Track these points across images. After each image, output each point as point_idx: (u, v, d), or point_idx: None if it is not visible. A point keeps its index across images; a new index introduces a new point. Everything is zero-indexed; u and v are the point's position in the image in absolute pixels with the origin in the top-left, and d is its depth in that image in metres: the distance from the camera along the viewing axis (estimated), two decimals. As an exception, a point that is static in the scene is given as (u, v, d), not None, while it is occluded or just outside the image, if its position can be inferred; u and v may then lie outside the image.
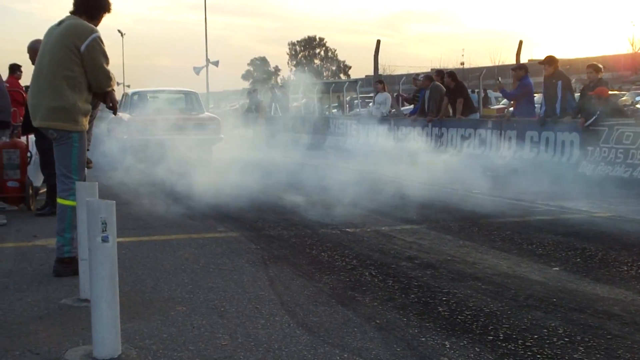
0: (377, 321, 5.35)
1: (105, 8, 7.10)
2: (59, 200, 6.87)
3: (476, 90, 30.31)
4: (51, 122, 6.78)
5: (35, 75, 6.96)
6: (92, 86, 6.89)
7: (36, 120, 6.90)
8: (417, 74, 22.87)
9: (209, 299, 5.98)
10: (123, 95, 22.93)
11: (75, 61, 6.76)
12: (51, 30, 6.97)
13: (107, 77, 6.93)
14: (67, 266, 6.79)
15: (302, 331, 5.14)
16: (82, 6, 6.96)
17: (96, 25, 6.99)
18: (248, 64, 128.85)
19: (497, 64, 64.91)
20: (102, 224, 4.49)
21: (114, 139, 20.25)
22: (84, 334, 5.01)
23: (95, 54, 6.78)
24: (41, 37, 7.17)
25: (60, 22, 6.93)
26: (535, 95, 22.44)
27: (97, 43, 6.81)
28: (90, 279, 4.58)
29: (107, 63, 6.92)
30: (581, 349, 4.73)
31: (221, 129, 20.42)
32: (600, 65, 15.29)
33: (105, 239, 4.49)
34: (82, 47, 6.73)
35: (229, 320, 5.40)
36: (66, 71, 6.76)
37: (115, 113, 7.35)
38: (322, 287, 6.35)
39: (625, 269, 6.94)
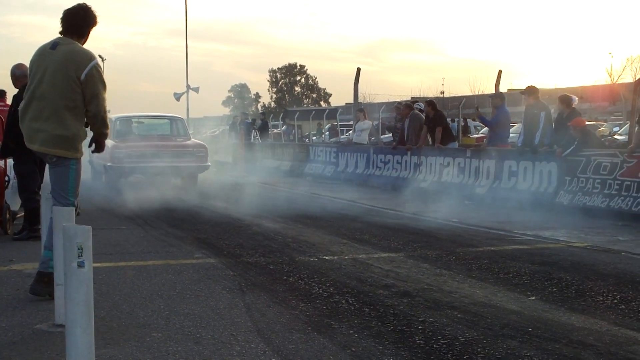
0: (353, 349, 5.35)
1: (92, 23, 7.21)
2: None
3: (456, 119, 30.50)
4: (52, 149, 6.92)
5: (30, 100, 7.02)
6: (88, 112, 7.01)
7: (35, 144, 6.98)
8: (400, 102, 22.96)
9: (185, 326, 5.96)
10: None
11: (77, 90, 6.91)
12: (45, 54, 7.02)
13: (105, 123, 7.12)
14: (45, 285, 6.75)
15: (278, 358, 5.13)
16: (71, 28, 7.07)
17: (85, 40, 7.16)
18: (229, 91, 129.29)
19: (476, 93, 65.32)
20: (78, 249, 4.47)
21: (95, 165, 20.05)
22: (59, 359, 4.99)
23: (94, 82, 6.92)
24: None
25: (55, 45, 6.98)
26: (513, 124, 22.59)
27: (97, 71, 6.98)
28: (65, 305, 4.55)
29: (105, 89, 7.04)
30: (555, 378, 4.75)
31: (208, 157, 19.77)
32: (574, 97, 15.42)
33: (81, 265, 4.47)
34: (82, 76, 6.86)
35: (204, 347, 5.39)
36: (69, 101, 6.90)
37: (99, 152, 7.56)
38: (298, 314, 6.34)
39: (601, 299, 6.97)
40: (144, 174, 19.39)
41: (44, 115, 6.94)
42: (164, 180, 19.49)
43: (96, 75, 6.96)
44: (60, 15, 7.14)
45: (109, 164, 18.48)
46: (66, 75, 6.89)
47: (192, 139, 21.36)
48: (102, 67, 7.28)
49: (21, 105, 7.15)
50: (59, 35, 7.10)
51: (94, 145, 7.38)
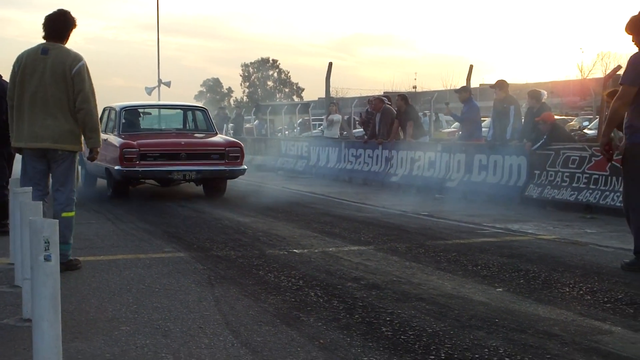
0: (321, 341, 5.38)
1: (72, 27, 7.94)
2: (68, 214, 7.91)
3: (427, 114, 30.61)
4: (63, 144, 7.76)
5: (33, 101, 7.72)
6: (77, 108, 7.75)
7: (46, 141, 7.72)
8: (373, 97, 23.04)
9: (154, 319, 5.97)
10: (106, 111, 17.52)
11: (71, 89, 7.71)
12: (38, 59, 7.72)
13: (95, 118, 7.89)
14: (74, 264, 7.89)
15: (246, 351, 5.15)
16: (53, 32, 7.80)
17: (66, 42, 7.92)
18: (201, 85, 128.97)
19: (448, 87, 65.50)
20: (45, 242, 4.47)
21: (91, 168, 16.62)
22: (25, 354, 4.99)
23: (82, 79, 7.73)
24: None
25: (46, 51, 7.72)
26: (484, 119, 22.71)
27: (85, 70, 7.76)
28: (32, 298, 4.56)
29: (92, 86, 7.85)
30: (520, 368, 4.80)
31: (244, 158, 15.72)
32: (543, 92, 15.55)
33: (47, 258, 4.47)
34: (72, 74, 7.68)
35: (172, 340, 5.40)
36: (69, 100, 7.73)
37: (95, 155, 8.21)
38: (267, 307, 6.37)
39: (567, 290, 7.04)
40: (160, 180, 15.70)
41: (51, 114, 7.70)
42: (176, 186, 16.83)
43: (83, 74, 7.72)
44: (42, 21, 7.80)
45: (115, 167, 14.65)
46: (63, 76, 7.65)
47: (220, 135, 17.77)
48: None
49: (17, 107, 7.80)
50: (43, 40, 7.81)
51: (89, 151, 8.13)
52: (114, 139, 15.32)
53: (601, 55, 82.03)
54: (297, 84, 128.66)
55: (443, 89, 66.72)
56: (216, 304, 6.46)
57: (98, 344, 5.31)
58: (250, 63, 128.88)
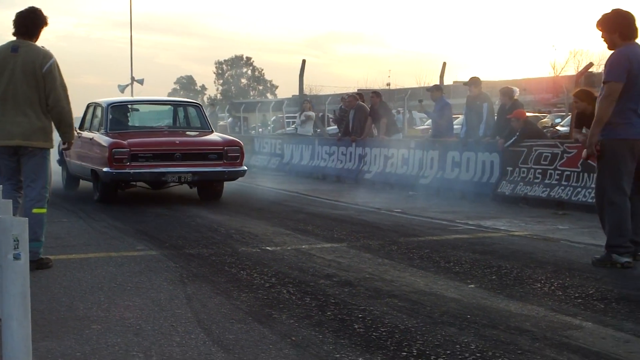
0: (293, 338, 5.37)
1: (43, 24, 7.96)
2: (39, 210, 7.86)
3: (401, 111, 30.68)
4: (34, 141, 7.77)
5: (3, 99, 7.75)
6: (49, 106, 7.82)
7: (15, 139, 7.73)
8: (347, 94, 23.07)
9: (125, 317, 5.94)
10: (90, 107, 16.20)
11: (41, 86, 7.75)
12: (8, 57, 7.74)
13: (68, 115, 7.96)
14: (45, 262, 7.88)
15: (217, 349, 5.14)
16: (23, 29, 7.84)
17: (37, 39, 7.93)
18: (174, 83, 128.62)
19: (422, 85, 65.64)
20: (14, 241, 4.44)
21: (74, 169, 15.80)
22: (-5, 352, 4.95)
23: (53, 76, 7.76)
24: None
25: (16, 48, 7.76)
26: (458, 116, 22.78)
27: (56, 67, 7.81)
28: (1, 297, 4.52)
29: (63, 82, 7.89)
30: (492, 364, 4.82)
31: (244, 158, 14.49)
32: (515, 89, 15.63)
33: (17, 257, 4.44)
34: (43, 72, 7.71)
35: (144, 339, 5.38)
36: (40, 97, 7.77)
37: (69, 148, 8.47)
38: (239, 304, 6.36)
39: (539, 286, 7.07)
40: (152, 183, 14.74)
41: (22, 111, 7.74)
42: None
43: (54, 71, 7.77)
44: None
45: (104, 169, 13.37)
46: (33, 74, 7.69)
47: (217, 133, 16.05)
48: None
49: None
50: (13, 38, 7.87)
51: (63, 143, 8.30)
52: (101, 138, 14.13)
53: (573, 52, 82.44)
54: (271, 81, 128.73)
55: (417, 86, 66.86)
56: (188, 302, 6.44)
57: (69, 342, 5.28)
58: (224, 60, 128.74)
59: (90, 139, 14.58)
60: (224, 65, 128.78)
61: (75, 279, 7.40)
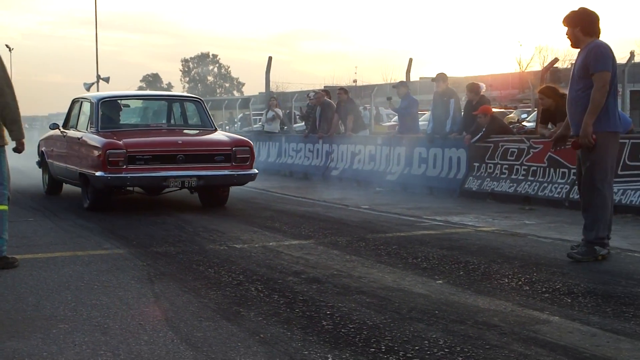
0: (261, 335, 5.36)
1: None
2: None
3: (368, 107, 30.71)
4: None
5: None
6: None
7: None
8: (313, 91, 23.08)
9: (92, 316, 5.90)
10: (76, 104, 14.87)
11: None
12: None
13: (17, 121, 7.90)
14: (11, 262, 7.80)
15: (186, 347, 5.12)
16: None
17: None
18: (140, 80, 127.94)
19: (389, 81, 65.76)
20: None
21: (56, 171, 14.57)
22: (-39, 353, 4.90)
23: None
24: None
25: None
26: (425, 112, 22.80)
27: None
28: (-33, 297, 4.46)
29: (7, 78, 7.78)
30: (460, 358, 4.83)
31: (254, 159, 13.24)
32: (482, 84, 15.70)
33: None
34: None
35: (111, 337, 5.34)
36: None
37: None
38: (207, 302, 6.33)
39: (506, 281, 7.10)
40: (150, 189, 13.28)
41: None
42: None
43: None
44: None
45: (96, 173, 11.96)
46: None
47: (221, 132, 14.76)
48: (7, 57, 7.86)
49: None
50: None
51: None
52: (92, 138, 12.68)
53: (539, 48, 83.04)
54: (237, 78, 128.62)
55: (383, 82, 67.03)
56: (156, 300, 6.41)
57: (35, 342, 5.23)
58: (190, 58, 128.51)
59: (78, 138, 13.19)
60: (190, 63, 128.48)
61: (41, 278, 7.34)
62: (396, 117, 27.03)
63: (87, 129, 13.32)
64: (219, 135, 13.65)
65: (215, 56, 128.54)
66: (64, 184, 15.06)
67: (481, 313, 5.94)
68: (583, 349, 5.00)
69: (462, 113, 15.95)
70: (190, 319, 5.82)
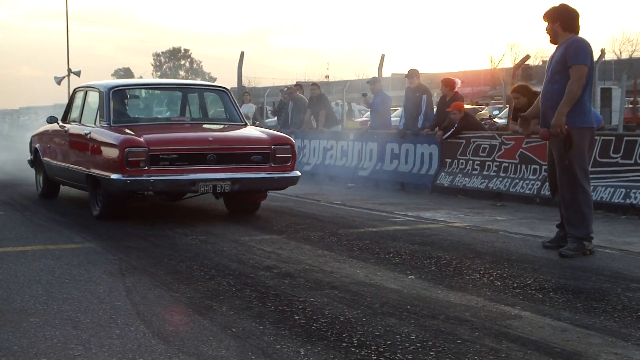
0: (233, 329, 5.36)
1: None
2: None
3: (340, 103, 30.72)
4: None
5: None
6: None
7: None
8: (286, 86, 23.04)
9: (64, 310, 5.88)
10: (78, 93, 12.92)
11: None
12: None
13: None
14: None
15: (158, 340, 5.11)
16: None
17: None
18: (112, 75, 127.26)
19: (361, 77, 65.86)
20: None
21: (75, 175, 11.65)
22: None
23: None
24: None
25: None
26: (397, 108, 22.82)
27: None
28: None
29: None
30: (432, 353, 4.84)
31: (295, 159, 11.29)
32: (457, 80, 15.75)
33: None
34: None
35: (83, 331, 5.32)
36: None
37: None
38: (179, 296, 6.32)
39: (478, 276, 7.12)
40: (174, 193, 11.16)
41: None
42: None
43: None
44: None
45: (112, 175, 10.11)
46: None
47: (254, 127, 13.70)
48: None
49: None
50: None
51: None
52: (105, 134, 10.86)
53: (510, 45, 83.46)
54: (209, 73, 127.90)
55: (356, 78, 67.11)
56: (127, 294, 6.39)
57: (6, 336, 5.20)
58: (162, 52, 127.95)
59: (85, 134, 11.33)
60: (161, 57, 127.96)
61: (12, 271, 7.29)
62: (368, 112, 27.08)
63: (95, 123, 11.38)
64: (254, 131, 12.00)
65: (187, 51, 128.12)
66: (62, 185, 13.29)
67: (453, 308, 5.96)
68: (554, 344, 5.03)
69: (435, 109, 15.99)
70: (162, 312, 5.82)
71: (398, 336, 5.20)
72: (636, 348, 4.98)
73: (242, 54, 25.51)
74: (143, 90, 13.85)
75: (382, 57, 21.55)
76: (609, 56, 62.92)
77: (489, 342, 5.07)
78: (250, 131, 11.81)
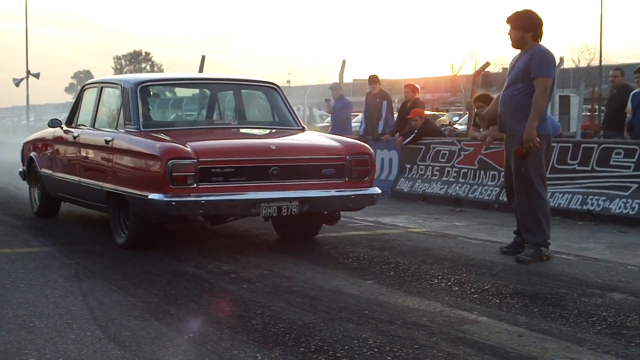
0: (190, 334, 5.33)
1: None
2: None
3: (301, 108, 30.75)
4: None
5: None
6: None
7: None
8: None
9: (18, 315, 5.82)
10: (91, 90, 10.48)
11: None
12: None
13: None
14: None
15: (114, 346, 5.07)
16: None
17: None
18: (72, 77, 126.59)
19: (322, 82, 65.97)
20: None
21: (93, 193, 9.29)
22: None
23: None
24: None
25: None
26: (358, 113, 22.85)
27: None
28: None
29: None
30: (389, 358, 4.85)
31: (374, 172, 9.61)
32: (418, 86, 15.82)
33: None
34: None
35: (37, 336, 5.27)
36: None
37: None
38: (136, 301, 6.28)
39: (436, 281, 7.14)
40: (225, 217, 8.75)
41: None
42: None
43: None
44: None
45: (150, 195, 7.89)
46: None
47: (316, 132, 11.45)
48: None
49: None
50: None
51: None
52: (136, 141, 8.66)
53: (471, 53, 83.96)
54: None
55: (317, 83, 67.25)
56: (84, 299, 6.33)
57: (-41, 341, 5.15)
58: (123, 55, 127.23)
59: (106, 142, 9.02)
60: (122, 61, 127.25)
61: (-34, 276, 7.22)
62: (329, 117, 27.13)
63: (117, 128, 9.18)
64: (322, 137, 9.85)
65: (148, 54, 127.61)
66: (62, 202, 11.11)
67: (411, 313, 5.97)
68: (510, 349, 5.05)
69: (395, 115, 16.04)
70: (119, 317, 5.77)
71: (356, 341, 5.20)
72: (591, 352, 5.01)
73: (203, 57, 25.38)
74: (177, 87, 11.57)
75: (344, 62, 21.59)
76: (567, 64, 63.61)
77: (446, 347, 5.08)
78: (317, 137, 9.77)
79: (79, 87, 10.16)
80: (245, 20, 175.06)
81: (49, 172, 10.70)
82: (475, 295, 6.59)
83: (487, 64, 20.41)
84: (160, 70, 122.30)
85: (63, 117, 11.25)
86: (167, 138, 8.56)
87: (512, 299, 6.49)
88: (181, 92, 12.23)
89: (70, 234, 9.70)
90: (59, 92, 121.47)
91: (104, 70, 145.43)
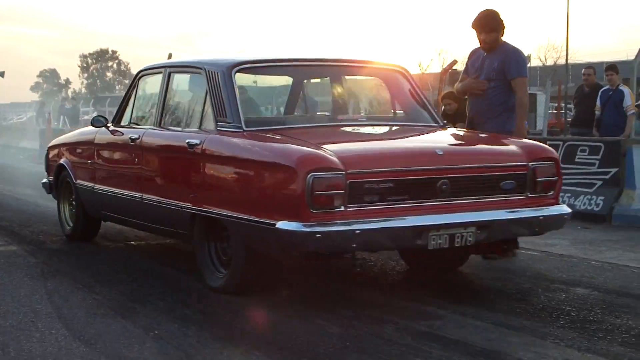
0: (156, 332, 5.33)
1: None
2: None
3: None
4: None
5: None
6: None
7: None
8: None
9: (-18, 314, 5.80)
10: (151, 77, 8.01)
11: None
12: None
13: None
14: None
15: (79, 343, 5.06)
16: None
17: None
18: (37, 76, 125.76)
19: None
20: None
21: (167, 214, 7.04)
22: None
23: None
24: None
25: None
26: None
27: None
28: None
29: None
30: (355, 354, 4.87)
31: (561, 185, 6.67)
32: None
33: None
34: None
35: (1, 335, 5.25)
36: None
37: None
38: (101, 299, 6.27)
39: (402, 277, 7.17)
40: (381, 249, 6.99)
41: None
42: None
43: None
44: None
45: (280, 224, 5.46)
46: None
47: (465, 129, 7.94)
48: None
49: None
50: None
51: None
52: (247, 146, 6.28)
53: (438, 51, 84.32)
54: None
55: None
56: (49, 297, 6.31)
57: None
58: (89, 54, 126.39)
59: (191, 145, 6.62)
60: (88, 59, 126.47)
61: None
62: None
63: (202, 127, 6.79)
64: (490, 138, 7.20)
65: (114, 52, 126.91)
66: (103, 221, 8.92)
67: (377, 308, 6.00)
68: (475, 343, 5.09)
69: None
70: (84, 315, 5.76)
71: (322, 336, 5.22)
72: (554, 346, 5.06)
73: (170, 55, 25.26)
74: (279, 70, 8.08)
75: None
76: (534, 62, 63.92)
77: (411, 342, 5.11)
78: (484, 138, 7.31)
79: (134, 75, 8.21)
80: (216, 18, 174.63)
81: (90, 184, 8.41)
82: (441, 291, 6.63)
83: (455, 62, 20.42)
84: (128, 69, 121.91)
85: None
86: (297, 141, 6.09)
87: (477, 294, 6.54)
88: (279, 79, 9.30)
89: (35, 233, 9.63)
90: (24, 91, 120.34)
91: (70, 70, 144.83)
